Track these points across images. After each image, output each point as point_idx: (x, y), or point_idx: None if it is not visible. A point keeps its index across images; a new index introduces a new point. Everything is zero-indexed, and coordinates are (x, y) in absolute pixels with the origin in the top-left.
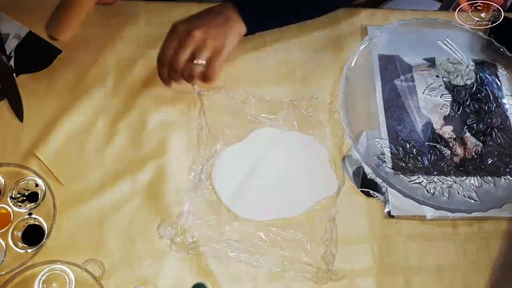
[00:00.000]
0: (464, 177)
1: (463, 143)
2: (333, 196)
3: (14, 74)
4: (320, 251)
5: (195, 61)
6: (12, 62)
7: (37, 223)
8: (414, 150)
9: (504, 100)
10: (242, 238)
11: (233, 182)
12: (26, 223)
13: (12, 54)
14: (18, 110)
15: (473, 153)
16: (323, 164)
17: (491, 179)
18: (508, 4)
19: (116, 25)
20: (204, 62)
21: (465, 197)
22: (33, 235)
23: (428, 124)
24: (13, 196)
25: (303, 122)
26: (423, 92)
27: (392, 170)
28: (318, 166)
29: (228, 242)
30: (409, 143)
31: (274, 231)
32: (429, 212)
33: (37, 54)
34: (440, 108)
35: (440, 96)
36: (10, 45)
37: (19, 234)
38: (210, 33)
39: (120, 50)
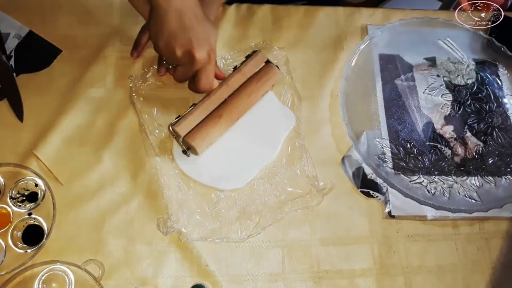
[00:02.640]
0: (465, 177)
1: (464, 143)
2: (295, 128)
3: (14, 74)
4: (304, 179)
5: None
6: (12, 62)
7: (36, 223)
8: (415, 150)
9: (505, 100)
10: (235, 206)
11: (196, 157)
12: (26, 223)
13: (12, 53)
14: (18, 110)
15: (474, 153)
16: (274, 104)
17: (492, 179)
18: (508, 4)
19: (116, 25)
20: None
21: (466, 197)
22: (32, 235)
23: (429, 124)
24: (13, 196)
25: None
26: (423, 92)
27: (392, 170)
28: (271, 109)
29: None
30: (410, 143)
31: (261, 188)
32: (430, 212)
33: (37, 54)
34: (441, 108)
35: (441, 96)
36: (10, 45)
37: (19, 234)
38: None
39: (120, 50)
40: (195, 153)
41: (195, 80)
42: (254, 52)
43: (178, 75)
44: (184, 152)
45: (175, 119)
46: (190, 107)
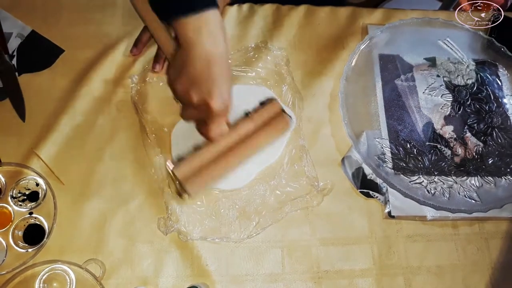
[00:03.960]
0: (465, 177)
1: (464, 143)
2: (295, 128)
3: (17, 73)
4: (304, 179)
5: None
6: (14, 61)
7: (37, 223)
8: (415, 150)
9: (505, 100)
10: (235, 206)
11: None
12: (27, 222)
13: (15, 53)
14: (20, 109)
15: (474, 153)
16: None
17: (491, 179)
18: (508, 4)
19: (119, 25)
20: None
21: (466, 197)
22: (33, 235)
23: (429, 124)
24: (14, 196)
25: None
26: (423, 92)
27: (392, 170)
28: None
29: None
30: (410, 143)
31: (261, 188)
32: (430, 213)
33: (40, 54)
34: (441, 108)
35: (441, 96)
36: (13, 44)
37: (20, 233)
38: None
39: (122, 50)
40: (190, 198)
41: (205, 125)
42: (269, 99)
43: (186, 115)
44: (179, 194)
45: (176, 160)
46: (194, 149)
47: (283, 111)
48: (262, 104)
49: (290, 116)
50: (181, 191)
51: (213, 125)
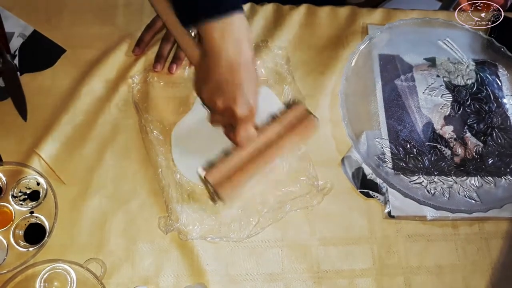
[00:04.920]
0: (465, 177)
1: (464, 143)
2: None
3: (18, 73)
4: (304, 179)
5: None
6: (16, 61)
7: (38, 222)
8: (415, 150)
9: (505, 100)
10: (235, 205)
11: (193, 155)
12: (28, 221)
13: (17, 53)
14: (21, 109)
15: (474, 153)
16: (274, 104)
17: (491, 179)
18: (508, 4)
19: (120, 25)
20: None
21: (466, 197)
22: (34, 234)
23: (429, 124)
24: (15, 195)
25: None
26: (423, 92)
27: (392, 170)
28: (271, 109)
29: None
30: (410, 143)
31: (260, 188)
32: (430, 213)
33: (42, 53)
34: (441, 108)
35: (441, 96)
36: (15, 44)
37: (21, 232)
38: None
39: (123, 50)
40: (222, 202)
41: (232, 130)
42: (293, 101)
43: (213, 121)
44: (212, 199)
45: (207, 165)
46: (224, 154)
47: (309, 112)
48: (288, 106)
49: (316, 117)
50: (214, 196)
51: (240, 130)
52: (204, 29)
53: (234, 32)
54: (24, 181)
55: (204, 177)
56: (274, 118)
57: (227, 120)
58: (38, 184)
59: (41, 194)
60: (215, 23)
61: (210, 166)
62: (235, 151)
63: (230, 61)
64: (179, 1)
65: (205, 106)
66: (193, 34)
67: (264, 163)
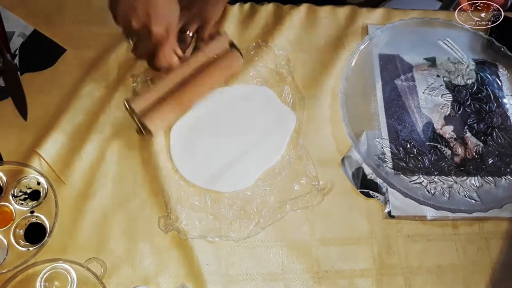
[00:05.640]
0: (465, 177)
1: (464, 143)
2: (296, 127)
3: (19, 73)
4: (304, 179)
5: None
6: (16, 61)
7: (39, 221)
8: (415, 150)
9: (505, 100)
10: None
11: (192, 155)
12: (28, 221)
13: (17, 52)
14: (22, 109)
15: (474, 153)
16: (274, 104)
17: (491, 179)
18: (508, 4)
19: None
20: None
21: (466, 197)
22: (35, 233)
23: (429, 124)
24: (15, 194)
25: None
26: (423, 92)
27: (392, 170)
28: (271, 109)
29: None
30: (410, 143)
31: (261, 188)
32: (430, 212)
33: (42, 53)
34: (441, 108)
35: (441, 96)
36: (15, 44)
37: (21, 232)
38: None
39: (124, 49)
40: (150, 135)
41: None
42: (218, 33)
43: (137, 49)
44: (139, 131)
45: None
46: (147, 81)
47: (232, 45)
48: (211, 37)
49: (239, 51)
50: (140, 128)
51: (159, 53)
52: None
53: None
54: (24, 180)
55: (129, 107)
56: (197, 48)
57: (146, 43)
58: (38, 183)
59: (41, 193)
60: None
61: (135, 96)
62: (160, 80)
63: None
64: None
65: (124, 36)
66: None
67: (191, 93)
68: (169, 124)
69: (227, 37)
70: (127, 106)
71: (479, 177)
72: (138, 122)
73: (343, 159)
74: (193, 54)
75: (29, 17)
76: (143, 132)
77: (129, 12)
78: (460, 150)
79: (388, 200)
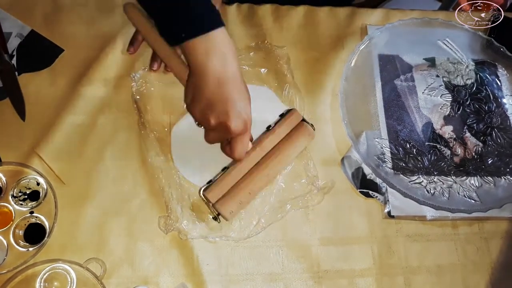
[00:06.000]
0: (464, 177)
1: (463, 143)
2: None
3: (16, 73)
4: (304, 179)
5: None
6: (14, 61)
7: (38, 222)
8: (414, 150)
9: (504, 100)
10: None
11: (193, 155)
12: (28, 221)
13: (14, 53)
14: (20, 109)
15: (473, 153)
16: (274, 104)
17: (491, 179)
18: (508, 4)
19: (118, 24)
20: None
21: (465, 197)
22: (34, 234)
23: (428, 124)
24: (15, 195)
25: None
26: (423, 92)
27: (392, 170)
28: (271, 109)
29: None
30: (409, 143)
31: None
32: (429, 212)
33: (39, 53)
34: (440, 108)
35: (440, 96)
36: (12, 44)
37: (21, 232)
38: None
39: (121, 49)
40: (225, 219)
41: (228, 144)
42: (289, 110)
43: (210, 139)
44: (215, 218)
45: (206, 183)
46: (222, 170)
47: (304, 120)
48: (282, 115)
49: (312, 125)
50: (215, 215)
51: (235, 145)
52: (187, 48)
53: (218, 47)
54: (24, 181)
55: (205, 197)
56: (269, 129)
57: (222, 135)
58: (38, 184)
59: (41, 194)
60: (197, 41)
61: (210, 185)
62: (233, 166)
63: (217, 77)
64: (161, 22)
65: (199, 125)
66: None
67: (262, 176)
68: (241, 208)
69: (298, 113)
70: (203, 197)
71: (478, 177)
72: (213, 210)
73: (342, 159)
74: (265, 135)
75: (27, 17)
76: (218, 218)
77: (208, 110)
78: (459, 150)
79: (388, 200)
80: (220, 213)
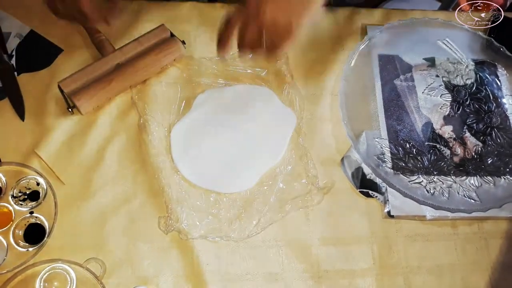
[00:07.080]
0: (464, 177)
1: (463, 143)
2: (296, 127)
3: (16, 73)
4: (304, 178)
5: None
6: (13, 61)
7: (38, 222)
8: (414, 150)
9: (504, 100)
10: (235, 205)
11: (193, 155)
12: (28, 221)
13: (14, 53)
14: (19, 109)
15: (473, 153)
16: (274, 104)
17: (491, 179)
18: (508, 4)
19: (117, 24)
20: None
21: (465, 197)
22: (34, 234)
23: (428, 124)
24: (14, 195)
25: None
26: (423, 92)
27: (392, 170)
28: (271, 109)
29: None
30: (409, 143)
31: (261, 188)
32: (429, 212)
33: (38, 53)
34: (440, 108)
35: (440, 96)
36: (12, 44)
37: (21, 232)
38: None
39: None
40: (79, 112)
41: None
42: (158, 27)
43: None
44: (69, 109)
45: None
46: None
47: (172, 35)
48: (151, 30)
49: (182, 41)
50: (70, 106)
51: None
52: None
53: None
54: (23, 181)
55: (59, 86)
56: (135, 39)
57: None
58: (37, 184)
59: (40, 194)
60: None
61: (67, 78)
62: (92, 63)
63: None
64: None
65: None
66: None
67: (122, 79)
68: (99, 104)
69: (166, 28)
70: (58, 86)
71: (478, 177)
72: (68, 101)
73: (342, 159)
74: (130, 44)
75: (26, 17)
76: (72, 109)
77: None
78: (459, 150)
79: (388, 200)
80: (74, 105)
